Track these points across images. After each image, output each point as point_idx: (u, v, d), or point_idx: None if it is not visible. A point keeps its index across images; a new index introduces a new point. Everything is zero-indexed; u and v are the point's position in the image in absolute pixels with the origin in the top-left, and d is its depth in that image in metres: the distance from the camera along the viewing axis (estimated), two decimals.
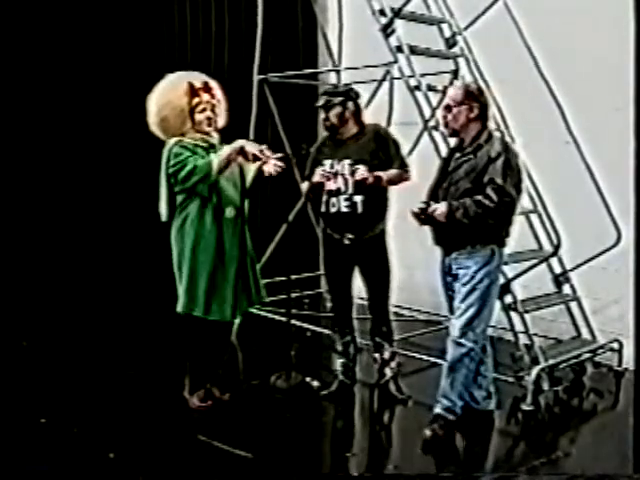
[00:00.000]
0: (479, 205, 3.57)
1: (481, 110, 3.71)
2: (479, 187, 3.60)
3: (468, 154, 3.71)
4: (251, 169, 4.03)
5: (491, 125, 3.81)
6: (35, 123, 5.92)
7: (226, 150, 3.87)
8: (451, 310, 3.85)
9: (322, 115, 4.26)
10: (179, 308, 3.95)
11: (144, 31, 6.31)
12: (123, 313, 5.74)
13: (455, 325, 3.74)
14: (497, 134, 3.77)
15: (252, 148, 3.89)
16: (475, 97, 3.72)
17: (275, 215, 5.87)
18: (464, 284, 3.70)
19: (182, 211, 3.92)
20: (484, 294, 3.69)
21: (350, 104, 4.23)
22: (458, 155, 3.77)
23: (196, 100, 3.91)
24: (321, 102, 4.27)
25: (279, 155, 3.94)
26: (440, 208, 3.64)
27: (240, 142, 3.91)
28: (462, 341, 3.69)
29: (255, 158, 3.89)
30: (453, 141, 3.89)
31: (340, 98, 4.22)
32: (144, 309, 5.72)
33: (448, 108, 3.74)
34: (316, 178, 4.20)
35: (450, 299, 3.85)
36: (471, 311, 3.68)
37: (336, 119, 4.21)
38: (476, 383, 3.88)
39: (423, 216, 3.67)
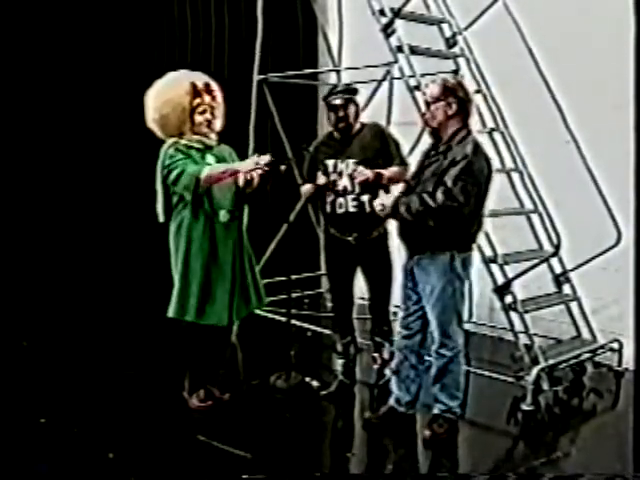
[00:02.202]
0: (422, 202, 3.48)
1: (460, 106, 3.57)
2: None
3: (438, 154, 3.61)
4: (255, 180, 3.94)
5: (472, 123, 3.67)
6: (35, 123, 5.93)
7: (220, 168, 3.81)
8: (406, 309, 3.80)
9: (340, 114, 4.21)
10: (170, 313, 3.91)
11: (144, 31, 6.31)
12: (123, 313, 5.74)
13: (433, 338, 3.71)
14: (474, 136, 3.61)
15: (248, 167, 3.81)
16: (453, 93, 3.57)
17: (276, 215, 5.86)
18: (429, 295, 3.64)
19: (178, 214, 3.90)
20: (449, 302, 3.62)
21: (358, 101, 4.27)
22: (432, 153, 3.67)
23: (197, 101, 3.87)
24: (338, 101, 4.21)
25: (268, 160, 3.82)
26: (386, 199, 3.62)
27: (238, 166, 3.85)
28: (442, 351, 3.68)
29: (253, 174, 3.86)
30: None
31: (354, 95, 4.24)
32: (144, 309, 5.72)
33: (427, 105, 3.63)
34: (320, 181, 4.19)
35: (406, 298, 3.79)
36: (442, 323, 3.64)
37: (353, 117, 4.23)
38: (404, 384, 3.85)
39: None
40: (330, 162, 4.23)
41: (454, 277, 3.61)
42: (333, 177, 4.18)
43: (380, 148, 4.20)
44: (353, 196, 4.18)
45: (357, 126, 4.28)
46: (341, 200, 4.21)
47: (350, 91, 4.30)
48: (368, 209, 4.16)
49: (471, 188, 3.47)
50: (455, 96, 3.58)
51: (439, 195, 3.47)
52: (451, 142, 3.58)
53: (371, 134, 4.26)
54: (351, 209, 4.19)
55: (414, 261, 3.70)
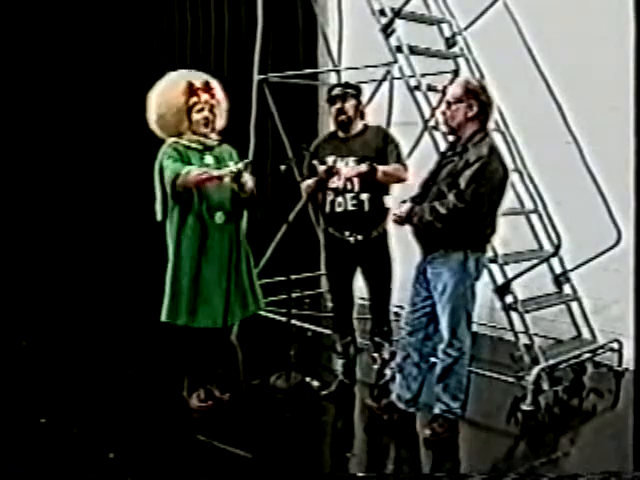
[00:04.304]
0: (432, 212, 3.53)
1: (480, 109, 3.58)
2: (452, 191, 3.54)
3: (454, 155, 3.62)
4: (249, 186, 3.94)
5: (491, 126, 3.71)
6: (34, 122, 5.93)
7: (196, 171, 3.76)
8: (412, 305, 3.81)
9: (337, 105, 4.23)
10: (162, 317, 3.90)
11: (144, 31, 6.32)
12: (123, 313, 5.74)
13: (441, 336, 3.71)
14: (490, 138, 3.64)
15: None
16: (475, 95, 3.59)
17: (275, 215, 5.87)
18: (440, 294, 3.65)
19: (170, 213, 3.89)
20: (460, 302, 3.63)
21: (361, 99, 4.28)
22: (449, 154, 3.70)
23: (194, 100, 3.87)
24: (336, 91, 4.27)
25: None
26: (401, 210, 3.65)
27: (216, 172, 3.80)
28: (449, 351, 3.68)
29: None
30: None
31: (355, 91, 4.26)
32: (144, 309, 5.70)
33: (447, 104, 3.64)
34: (321, 169, 4.20)
35: (414, 294, 3.80)
36: (452, 322, 3.64)
37: (352, 111, 4.23)
38: (406, 381, 3.86)
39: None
40: (330, 159, 4.23)
41: (466, 276, 3.61)
42: (334, 171, 4.18)
43: (381, 148, 4.21)
44: (352, 195, 4.17)
45: (360, 126, 4.28)
46: (340, 199, 4.20)
47: (351, 86, 4.34)
48: (367, 208, 4.16)
49: (483, 190, 3.48)
50: (477, 98, 3.59)
51: (450, 197, 3.50)
52: (468, 143, 3.59)
53: (374, 135, 4.26)
54: (350, 208, 4.19)
55: (427, 259, 3.71)
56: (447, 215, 3.50)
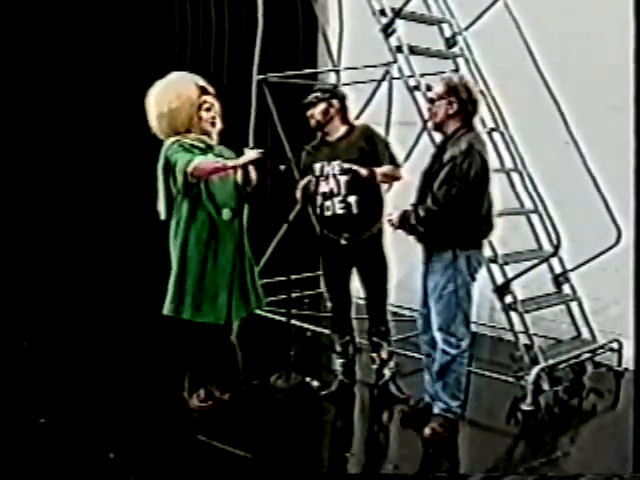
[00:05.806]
0: (415, 215, 3.58)
1: (460, 106, 3.60)
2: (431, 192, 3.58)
3: (436, 155, 3.65)
4: (253, 177, 3.99)
5: (477, 124, 3.71)
6: (34, 123, 5.92)
7: (212, 160, 3.80)
8: (422, 304, 3.83)
9: (307, 113, 4.25)
10: (164, 311, 3.91)
11: (144, 31, 6.31)
12: (123, 313, 5.74)
13: (436, 335, 3.72)
14: (472, 134, 3.63)
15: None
16: (456, 92, 3.61)
17: (275, 215, 5.87)
18: (432, 291, 3.68)
19: (177, 210, 3.90)
20: (451, 299, 3.63)
21: (335, 102, 4.23)
22: (435, 153, 3.72)
23: (204, 98, 3.93)
24: (305, 100, 4.28)
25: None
26: (392, 217, 3.70)
27: (231, 162, 3.86)
28: (445, 348, 3.68)
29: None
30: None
31: (324, 95, 4.24)
32: (144, 309, 5.70)
33: (431, 102, 3.68)
34: (301, 183, 4.23)
35: (423, 291, 3.82)
36: (443, 318, 3.65)
37: (320, 116, 4.21)
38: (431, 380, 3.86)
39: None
40: (317, 165, 4.22)
41: (457, 274, 3.61)
42: (321, 180, 4.18)
43: (366, 148, 4.16)
44: (340, 198, 4.16)
45: (342, 129, 4.24)
46: (328, 203, 4.19)
47: (321, 90, 4.34)
48: (356, 211, 4.14)
49: (456, 191, 3.49)
50: (457, 96, 3.61)
51: (428, 200, 3.55)
52: (448, 142, 3.61)
53: (358, 135, 4.23)
54: (338, 211, 4.17)
55: (426, 257, 3.74)
56: (426, 218, 3.55)
